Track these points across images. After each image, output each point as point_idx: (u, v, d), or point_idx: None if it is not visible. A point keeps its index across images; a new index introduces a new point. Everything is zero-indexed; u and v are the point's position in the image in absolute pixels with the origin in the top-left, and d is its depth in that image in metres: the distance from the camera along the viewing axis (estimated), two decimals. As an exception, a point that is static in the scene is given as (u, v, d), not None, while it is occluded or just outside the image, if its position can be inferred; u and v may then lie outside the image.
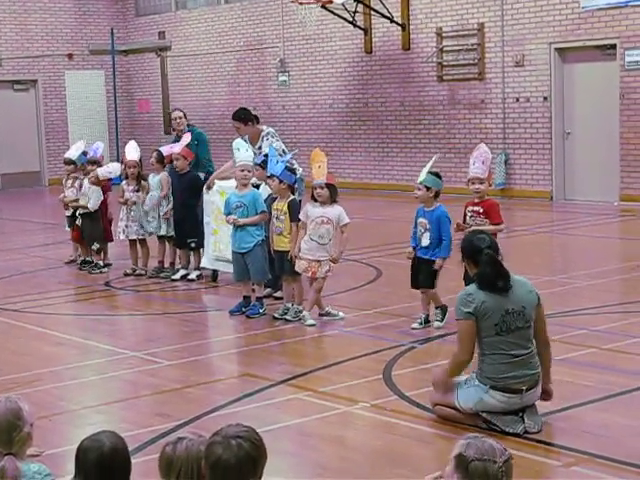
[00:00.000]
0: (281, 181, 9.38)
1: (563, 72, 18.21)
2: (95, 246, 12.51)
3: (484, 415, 6.14)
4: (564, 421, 6.33)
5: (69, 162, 13.14)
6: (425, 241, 8.82)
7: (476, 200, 8.66)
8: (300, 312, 9.32)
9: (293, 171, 9.60)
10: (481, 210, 8.61)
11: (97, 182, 12.35)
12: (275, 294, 10.29)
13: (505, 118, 18.97)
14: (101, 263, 12.54)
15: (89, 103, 26.37)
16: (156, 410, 6.89)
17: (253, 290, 9.87)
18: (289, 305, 9.50)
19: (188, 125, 12.40)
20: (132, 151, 12.18)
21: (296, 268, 9.26)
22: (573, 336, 8.39)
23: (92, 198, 12.36)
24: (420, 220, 8.89)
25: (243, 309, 9.75)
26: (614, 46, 17.35)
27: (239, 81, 23.99)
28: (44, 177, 25.84)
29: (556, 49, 18.12)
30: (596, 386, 7.01)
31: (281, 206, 9.42)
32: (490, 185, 8.83)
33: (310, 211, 9.19)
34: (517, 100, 18.76)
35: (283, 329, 9.17)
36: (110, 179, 12.70)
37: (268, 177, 9.63)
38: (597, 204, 17.50)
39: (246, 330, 9.53)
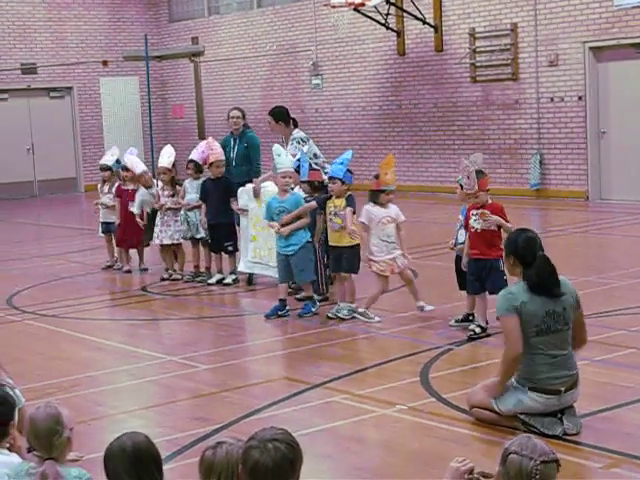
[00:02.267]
0: (343, 182, 9.53)
1: (597, 71, 18.09)
2: (146, 241, 12.62)
3: (522, 417, 6.11)
4: (603, 423, 6.28)
5: (105, 168, 13.21)
6: (461, 237, 8.85)
7: (479, 205, 8.67)
8: (353, 311, 9.46)
9: (350, 172, 9.71)
10: (488, 212, 8.62)
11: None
12: (297, 296, 10.29)
13: (539, 118, 18.88)
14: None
15: (124, 109, 26.55)
16: (194, 414, 6.92)
17: (298, 291, 9.86)
18: (342, 304, 9.58)
19: (244, 126, 12.21)
20: (164, 157, 12.24)
21: (374, 270, 9.35)
22: (611, 337, 8.32)
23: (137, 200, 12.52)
24: (459, 217, 8.94)
25: (279, 312, 9.78)
26: (649, 44, 17.23)
27: (272, 85, 24.04)
28: (80, 183, 26.03)
29: (590, 48, 18.00)
30: (636, 387, 6.96)
31: (339, 202, 9.55)
32: (485, 191, 8.70)
33: (373, 212, 9.30)
34: (551, 100, 18.66)
35: (318, 332, 9.17)
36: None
37: (330, 179, 9.72)
38: (633, 203, 17.35)
39: (283, 334, 9.56)
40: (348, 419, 6.64)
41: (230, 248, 11.64)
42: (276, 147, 10.31)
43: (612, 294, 10.24)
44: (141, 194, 12.48)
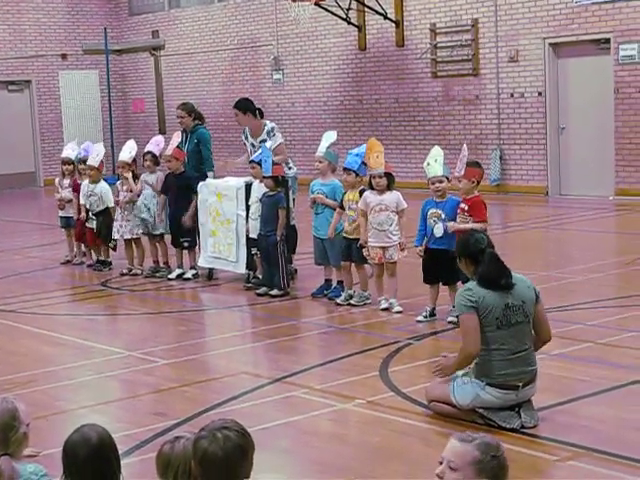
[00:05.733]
0: (357, 175, 9.70)
1: (557, 67, 18.22)
2: (112, 243, 12.49)
3: (480, 411, 6.15)
4: (560, 415, 6.34)
5: (68, 162, 13.10)
6: (439, 232, 8.82)
7: (463, 196, 8.72)
8: (367, 298, 9.69)
9: (364, 164, 9.79)
10: (466, 207, 8.63)
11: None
12: (271, 292, 10.30)
13: (500, 114, 18.98)
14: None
15: (83, 103, 26.36)
16: (153, 409, 6.89)
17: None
18: (351, 292, 9.81)
19: (195, 120, 12.10)
20: (125, 152, 12.21)
21: (364, 255, 9.52)
22: (569, 331, 8.40)
23: (107, 194, 12.35)
24: (432, 211, 8.92)
25: (325, 291, 10.14)
26: (608, 40, 17.35)
27: (233, 79, 23.98)
28: (39, 178, 25.82)
29: (550, 44, 18.12)
30: (592, 380, 7.02)
31: (352, 196, 9.71)
32: (473, 182, 8.76)
33: (369, 199, 9.41)
34: (512, 95, 18.77)
35: (278, 327, 9.17)
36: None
37: (344, 170, 9.82)
38: (592, 199, 17.50)
39: (243, 328, 9.57)
40: (308, 413, 6.64)
41: (186, 244, 11.61)
42: (329, 133, 10.57)
43: (570, 288, 10.33)
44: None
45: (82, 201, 12.51)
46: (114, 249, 12.44)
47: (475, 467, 3.42)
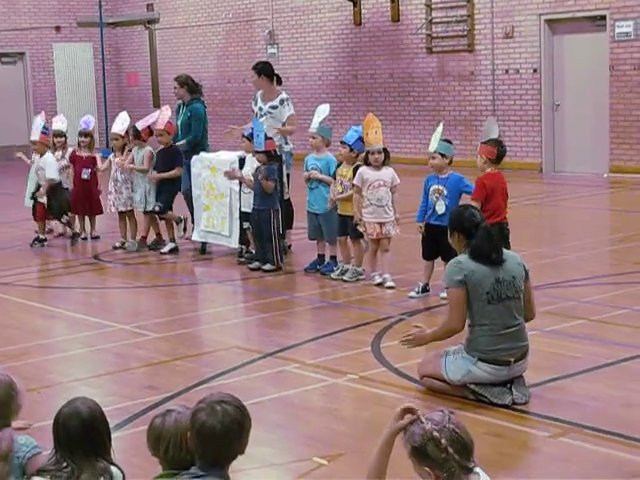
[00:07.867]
0: (352, 149, 9.66)
1: (553, 44, 18.16)
2: (64, 219, 12.47)
3: (472, 387, 6.15)
4: (552, 392, 6.34)
5: (59, 134, 13.08)
6: (441, 208, 8.79)
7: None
8: (360, 274, 9.67)
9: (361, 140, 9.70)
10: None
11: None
12: (264, 267, 10.29)
13: (495, 90, 18.93)
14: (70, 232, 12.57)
15: (77, 76, 26.24)
16: (145, 383, 6.89)
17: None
18: (347, 266, 9.77)
19: (192, 94, 11.98)
20: (117, 123, 12.23)
21: (361, 231, 9.47)
22: (562, 307, 8.41)
23: (51, 168, 12.26)
24: (434, 187, 8.88)
25: (317, 267, 10.13)
26: (604, 17, 17.30)
27: (228, 53, 23.88)
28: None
29: (546, 20, 18.06)
30: (584, 357, 7.03)
31: (346, 172, 9.67)
32: (483, 159, 8.82)
33: (367, 175, 9.36)
34: (507, 72, 18.72)
35: (271, 301, 9.17)
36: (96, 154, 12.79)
37: (341, 143, 9.84)
38: (587, 176, 17.50)
39: (235, 303, 9.57)
40: (299, 388, 6.65)
41: (157, 208, 11.57)
42: (321, 107, 10.51)
43: (564, 265, 10.33)
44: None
45: (31, 175, 12.51)
46: (68, 224, 12.48)
47: (417, 453, 3.51)
